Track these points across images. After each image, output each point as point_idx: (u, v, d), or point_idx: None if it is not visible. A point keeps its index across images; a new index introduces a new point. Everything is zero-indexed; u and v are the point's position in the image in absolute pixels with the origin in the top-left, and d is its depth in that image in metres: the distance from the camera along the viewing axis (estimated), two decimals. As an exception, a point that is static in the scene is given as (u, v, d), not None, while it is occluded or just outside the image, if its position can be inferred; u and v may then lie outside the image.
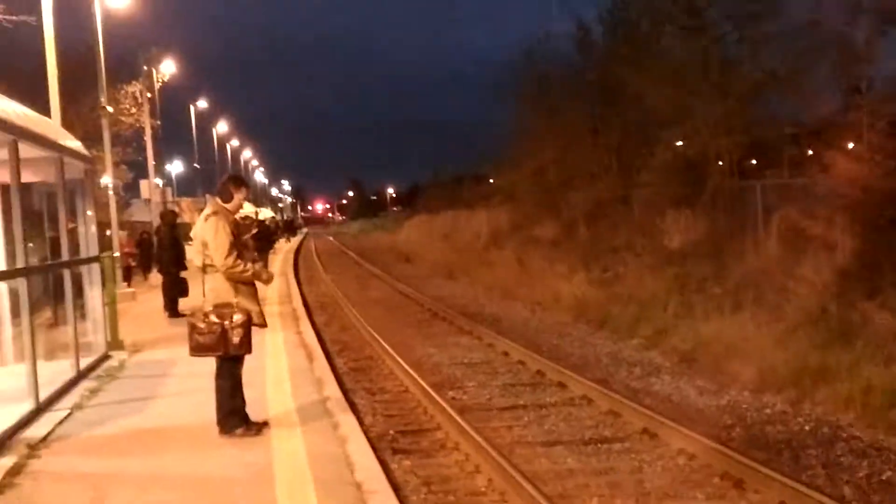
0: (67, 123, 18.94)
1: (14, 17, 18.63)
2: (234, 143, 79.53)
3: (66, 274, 11.59)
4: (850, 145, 17.41)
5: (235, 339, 7.57)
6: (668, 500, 7.06)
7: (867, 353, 10.66)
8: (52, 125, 13.82)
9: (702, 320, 14.21)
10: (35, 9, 19.29)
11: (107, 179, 26.13)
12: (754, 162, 24.58)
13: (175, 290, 17.54)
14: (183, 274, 17.34)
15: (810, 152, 21.27)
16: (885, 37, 20.22)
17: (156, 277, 22.83)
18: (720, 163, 22.35)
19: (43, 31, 19.27)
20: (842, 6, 20.61)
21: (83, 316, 12.40)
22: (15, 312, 11.01)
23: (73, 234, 12.34)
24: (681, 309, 15.35)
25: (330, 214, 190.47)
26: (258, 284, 8.02)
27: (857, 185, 15.07)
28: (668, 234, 21.28)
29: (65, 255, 11.67)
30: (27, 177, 10.20)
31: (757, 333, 12.58)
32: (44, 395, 9.29)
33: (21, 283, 9.85)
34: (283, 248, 50.25)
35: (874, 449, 8.32)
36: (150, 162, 35.80)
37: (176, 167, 61.91)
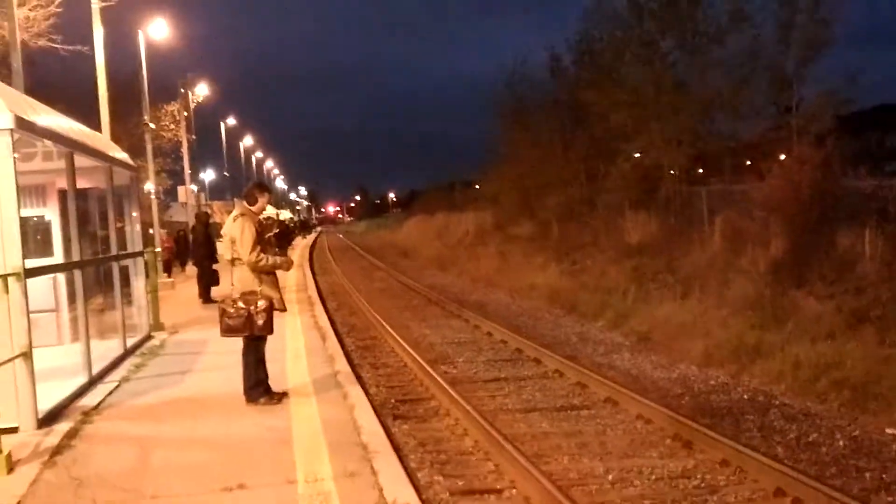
0: (115, 138, 18.86)
1: (70, 47, 18.58)
2: (258, 154, 79.27)
3: (115, 266, 11.55)
4: (782, 156, 17.45)
5: (260, 322, 7.59)
6: (627, 459, 7.07)
7: (796, 334, 10.70)
8: (102, 139, 13.76)
9: (656, 305, 14.25)
10: (88, 40, 19.32)
11: (149, 185, 26.06)
12: (701, 170, 24.62)
13: (208, 279, 17.52)
14: (215, 266, 17.34)
15: (748, 162, 21.37)
16: (810, 65, 20.44)
17: (191, 269, 22.77)
18: (672, 171, 22.41)
19: (95, 59, 19.27)
20: (775, 39, 20.77)
21: (129, 302, 12.37)
22: (71, 299, 11.00)
23: (120, 232, 12.32)
24: (638, 296, 15.38)
25: (340, 216, 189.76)
26: (279, 274, 8.02)
27: (788, 190, 15.10)
28: (627, 233, 21.33)
29: (113, 250, 11.65)
30: (82, 183, 10.16)
31: (703, 316, 12.62)
32: (96, 369, 9.28)
33: (76, 274, 9.85)
34: (300, 244, 50.18)
35: (803, 415, 8.35)
36: (187, 171, 35.72)
37: (208, 175, 61.60)
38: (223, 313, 7.64)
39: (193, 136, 38.21)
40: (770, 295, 12.51)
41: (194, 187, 41.26)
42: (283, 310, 8.01)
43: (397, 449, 6.73)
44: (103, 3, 19.60)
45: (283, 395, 7.96)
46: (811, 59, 20.40)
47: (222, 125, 55.34)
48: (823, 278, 12.53)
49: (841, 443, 7.44)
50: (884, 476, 6.57)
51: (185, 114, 35.49)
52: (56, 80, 22.88)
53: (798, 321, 11.14)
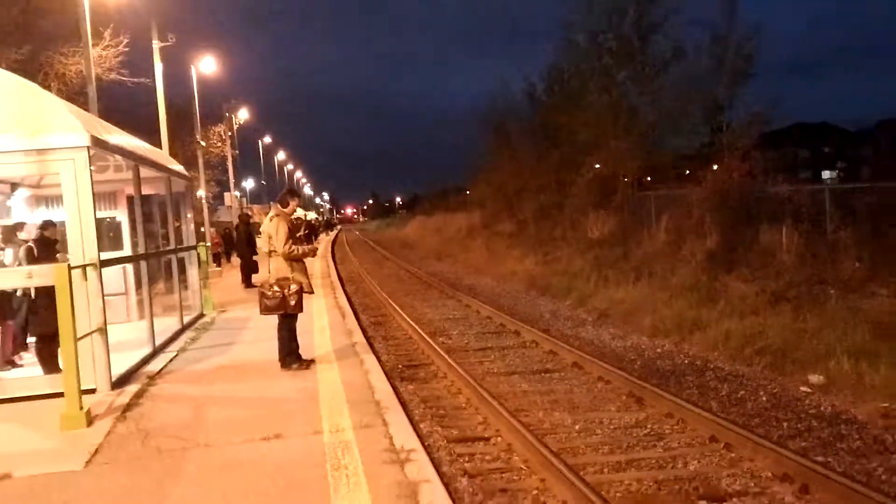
0: (173, 153, 18.82)
1: (135, 79, 18.58)
2: (290, 166, 79.14)
3: (173, 258, 11.53)
4: (715, 167, 17.45)
5: (292, 303, 7.59)
6: (590, 412, 7.09)
7: (727, 311, 10.71)
8: (162, 154, 13.72)
9: (614, 288, 14.24)
10: (150, 73, 19.29)
11: (201, 192, 26.02)
12: (649, 178, 24.59)
13: (249, 268, 17.51)
14: (255, 257, 17.31)
15: (688, 171, 21.36)
16: (738, 92, 20.51)
17: (236, 260, 22.72)
18: (626, 179, 22.38)
19: (156, 89, 19.21)
20: (710, 70, 20.80)
21: (185, 287, 12.35)
22: (138, 284, 10.98)
23: (177, 230, 12.30)
24: (599, 280, 15.36)
25: (356, 216, 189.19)
26: (307, 263, 8.01)
27: (720, 193, 15.11)
28: (590, 229, 21.31)
29: (172, 244, 11.63)
30: (146, 190, 10.14)
31: (651, 297, 12.62)
32: (158, 341, 9.28)
33: (142, 264, 9.82)
34: (324, 240, 50.00)
35: (732, 376, 8.37)
36: (231, 180, 35.69)
37: (249, 183, 61.50)
38: (262, 295, 7.64)
39: (236, 152, 38.16)
40: (706, 279, 12.53)
41: (237, 193, 41.14)
42: (311, 292, 8.00)
43: (404, 405, 6.73)
44: (162, 44, 19.65)
45: (311, 362, 7.96)
46: (738, 87, 20.53)
47: (260, 143, 55.22)
48: (749, 266, 12.54)
49: (764, 398, 7.46)
50: (798, 425, 6.59)
51: (230, 133, 35.39)
52: (124, 105, 22.81)
53: (728, 300, 11.16)
